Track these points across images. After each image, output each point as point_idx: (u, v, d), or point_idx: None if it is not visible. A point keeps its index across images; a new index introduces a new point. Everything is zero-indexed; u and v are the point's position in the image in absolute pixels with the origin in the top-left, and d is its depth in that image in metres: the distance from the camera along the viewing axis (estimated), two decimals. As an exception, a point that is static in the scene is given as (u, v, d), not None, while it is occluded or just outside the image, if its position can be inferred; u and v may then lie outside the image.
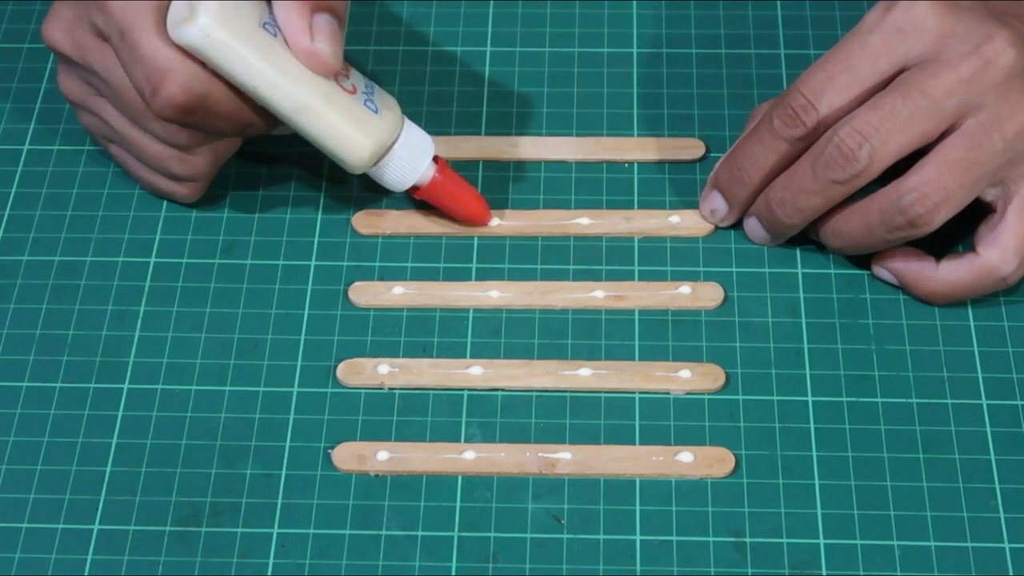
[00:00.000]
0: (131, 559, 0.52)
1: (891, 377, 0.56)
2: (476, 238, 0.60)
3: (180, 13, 0.53)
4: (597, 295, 0.59)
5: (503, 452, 0.54)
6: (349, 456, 0.54)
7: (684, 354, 0.57)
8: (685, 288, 0.59)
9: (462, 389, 0.56)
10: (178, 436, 0.55)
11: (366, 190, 0.61)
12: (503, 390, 0.56)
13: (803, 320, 0.58)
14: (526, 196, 0.62)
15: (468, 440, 0.55)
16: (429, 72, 0.66)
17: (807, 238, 0.59)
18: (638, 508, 0.53)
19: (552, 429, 0.55)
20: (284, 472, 0.54)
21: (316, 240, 0.60)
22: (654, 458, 0.54)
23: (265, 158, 0.62)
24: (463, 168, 0.62)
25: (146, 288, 0.59)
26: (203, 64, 0.54)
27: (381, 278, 0.59)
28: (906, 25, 0.55)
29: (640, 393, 0.56)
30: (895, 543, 0.52)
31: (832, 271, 0.59)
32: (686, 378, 0.56)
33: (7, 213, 0.62)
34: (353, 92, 0.56)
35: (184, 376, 0.57)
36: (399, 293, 0.59)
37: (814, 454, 0.54)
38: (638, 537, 0.52)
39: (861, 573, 0.51)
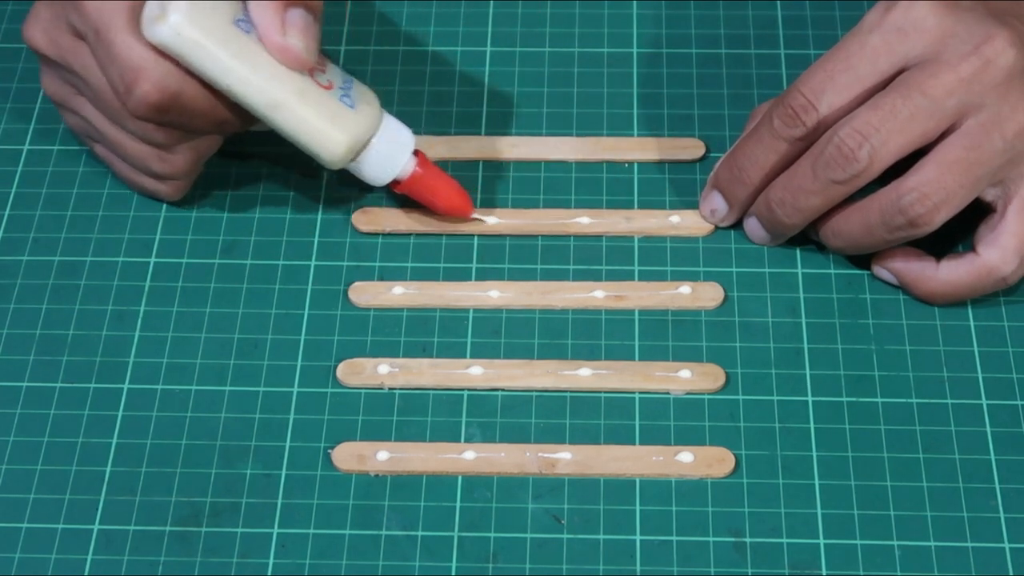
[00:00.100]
0: (131, 559, 0.52)
1: (891, 377, 0.56)
2: (476, 238, 0.60)
3: (153, 12, 0.54)
4: (597, 295, 0.59)
5: (503, 452, 0.54)
6: (349, 456, 0.54)
7: (684, 354, 0.57)
8: (685, 288, 0.59)
9: (462, 389, 0.56)
10: (178, 436, 0.55)
11: (366, 190, 0.61)
12: (503, 390, 0.56)
13: (803, 320, 0.58)
14: (526, 196, 0.62)
15: (468, 440, 0.55)
16: (429, 72, 0.66)
17: (807, 238, 0.59)
18: (638, 508, 0.53)
19: (552, 429, 0.55)
20: (284, 472, 0.54)
21: (316, 240, 0.60)
22: (654, 458, 0.54)
23: (265, 158, 0.62)
24: (463, 168, 0.62)
25: (146, 288, 0.59)
26: (177, 62, 0.54)
27: (381, 278, 0.59)
28: (906, 25, 0.55)
29: (640, 393, 0.56)
30: (895, 543, 0.52)
31: (832, 271, 0.59)
32: (686, 378, 0.56)
33: (7, 213, 0.62)
34: (329, 87, 0.56)
35: (184, 376, 0.57)
36: (399, 293, 0.59)
37: (814, 454, 0.54)
38: (638, 537, 0.52)
39: (861, 573, 0.51)
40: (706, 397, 0.56)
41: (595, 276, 0.59)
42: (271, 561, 0.52)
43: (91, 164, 0.63)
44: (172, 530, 0.53)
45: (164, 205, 0.61)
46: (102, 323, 0.58)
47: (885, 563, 0.52)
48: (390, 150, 0.58)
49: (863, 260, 0.59)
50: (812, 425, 0.55)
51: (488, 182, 0.62)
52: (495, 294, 0.59)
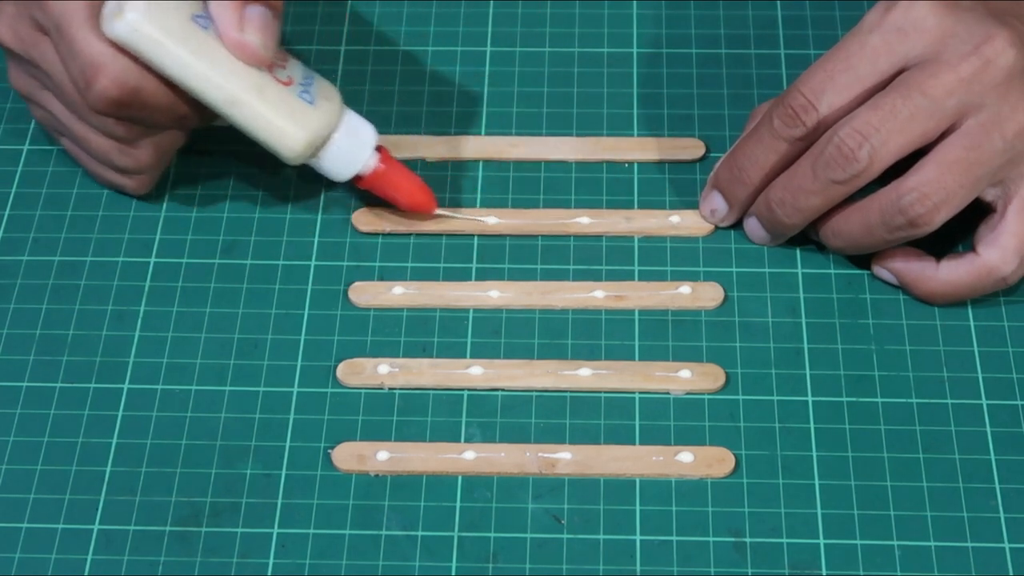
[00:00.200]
0: (131, 559, 0.52)
1: (891, 377, 0.56)
2: (476, 238, 0.60)
3: (111, 8, 0.54)
4: (597, 295, 0.59)
5: (503, 452, 0.54)
6: (349, 456, 0.54)
7: (684, 354, 0.57)
8: (685, 288, 0.59)
9: (462, 389, 0.56)
10: (178, 436, 0.55)
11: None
12: (503, 390, 0.56)
13: (803, 320, 0.58)
14: (526, 196, 0.62)
15: (468, 440, 0.55)
16: (429, 72, 0.66)
17: (807, 238, 0.59)
18: (638, 508, 0.53)
19: (552, 429, 0.55)
20: (284, 472, 0.54)
21: (316, 240, 0.60)
22: (654, 458, 0.54)
23: (265, 158, 0.62)
24: (463, 168, 0.62)
25: (146, 288, 0.59)
26: (136, 58, 0.54)
27: (381, 278, 0.59)
28: (906, 25, 0.55)
29: (640, 393, 0.56)
30: (895, 543, 0.52)
31: (832, 271, 0.59)
32: (686, 378, 0.56)
33: (7, 213, 0.62)
34: (288, 83, 0.56)
35: (184, 376, 0.57)
36: (399, 293, 0.59)
37: (814, 454, 0.54)
38: (638, 537, 0.52)
39: (861, 573, 0.51)
40: (706, 397, 0.56)
41: (595, 276, 0.59)
42: (271, 561, 0.52)
43: (91, 164, 0.63)
44: (172, 530, 0.53)
45: (164, 205, 0.61)
46: (102, 323, 0.58)
47: (885, 563, 0.52)
48: (351, 146, 0.58)
49: (863, 260, 0.59)
50: (812, 425, 0.55)
51: (488, 182, 0.62)
52: (495, 294, 0.59)
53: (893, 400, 0.55)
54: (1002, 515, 0.53)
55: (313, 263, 0.60)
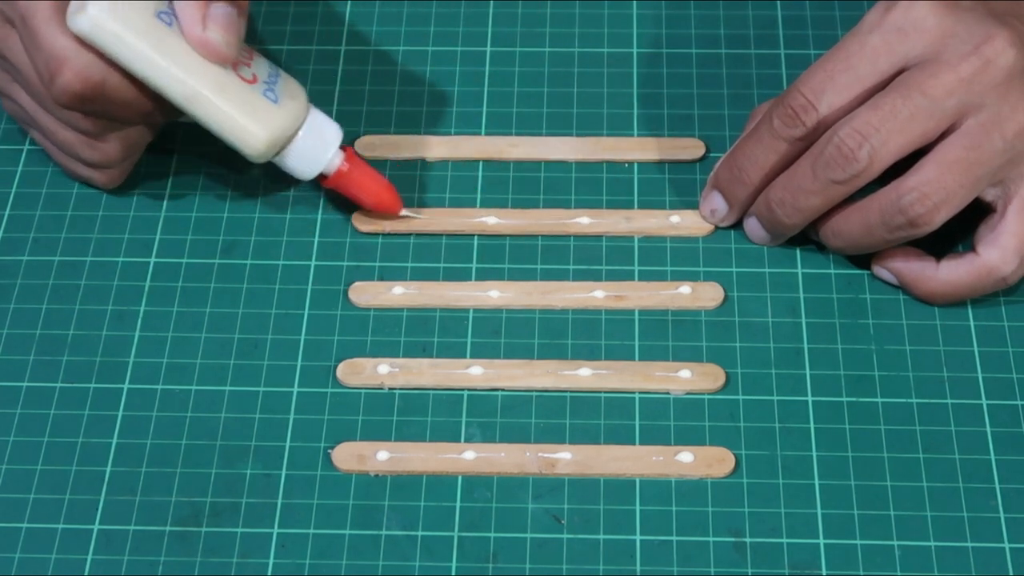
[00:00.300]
0: (131, 559, 0.52)
1: (891, 377, 0.56)
2: (476, 238, 0.60)
3: (75, 4, 0.54)
4: (597, 295, 0.59)
5: (503, 452, 0.54)
6: (349, 456, 0.54)
7: (684, 354, 0.57)
8: (685, 288, 0.59)
9: (462, 389, 0.56)
10: (178, 436, 0.55)
11: (366, 190, 0.61)
12: (503, 390, 0.56)
13: (803, 320, 0.58)
14: (526, 196, 0.62)
15: (468, 440, 0.55)
16: (429, 72, 0.66)
17: (807, 238, 0.59)
18: (638, 508, 0.53)
19: (552, 429, 0.55)
20: (284, 472, 0.54)
21: (316, 240, 0.60)
22: (654, 458, 0.54)
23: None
24: (463, 168, 0.62)
25: (146, 288, 0.59)
26: (100, 53, 0.55)
27: (381, 278, 0.59)
28: (906, 25, 0.55)
29: (640, 393, 0.56)
30: (895, 543, 0.52)
31: (832, 271, 0.59)
32: (686, 378, 0.56)
33: (7, 213, 0.62)
34: (253, 81, 0.57)
35: (184, 376, 0.57)
36: (399, 293, 0.59)
37: (814, 454, 0.54)
38: (638, 537, 0.52)
39: (861, 573, 0.51)
40: (706, 397, 0.56)
41: (595, 276, 0.59)
42: (271, 561, 0.52)
43: (91, 164, 0.63)
44: (172, 530, 0.53)
45: (164, 205, 0.61)
46: (102, 323, 0.58)
47: (885, 563, 0.52)
48: (314, 145, 0.58)
49: (863, 260, 0.59)
50: (812, 425, 0.55)
51: (488, 182, 0.62)
52: (495, 294, 0.59)
53: (893, 400, 0.55)
54: (1002, 515, 0.53)
55: (313, 263, 0.60)
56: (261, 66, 0.58)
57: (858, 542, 0.52)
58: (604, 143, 0.63)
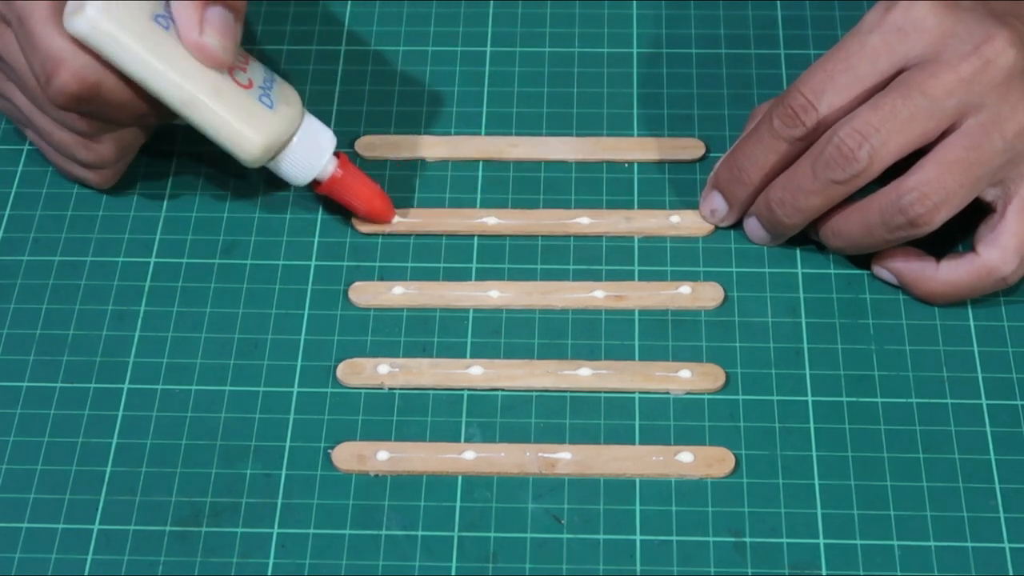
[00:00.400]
0: (131, 559, 0.52)
1: (891, 377, 0.56)
2: (476, 238, 0.60)
3: (73, 5, 0.54)
4: (597, 295, 0.59)
5: (503, 452, 0.54)
6: (349, 456, 0.54)
7: (684, 354, 0.57)
8: (685, 288, 0.59)
9: (462, 389, 0.56)
10: (178, 436, 0.55)
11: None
12: (503, 390, 0.56)
13: (803, 320, 0.58)
14: (526, 196, 0.62)
15: (468, 440, 0.55)
16: (429, 72, 0.66)
17: (807, 238, 0.59)
18: (638, 508, 0.53)
19: (552, 429, 0.55)
20: (284, 472, 0.54)
21: (316, 240, 0.60)
22: (654, 458, 0.54)
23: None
24: (463, 168, 0.62)
25: (146, 288, 0.59)
26: (96, 55, 0.55)
27: (381, 278, 0.59)
28: (906, 25, 0.55)
29: (640, 393, 0.56)
30: (895, 543, 0.52)
31: (832, 271, 0.59)
32: (686, 378, 0.56)
33: (7, 213, 0.62)
34: (248, 86, 0.57)
35: (184, 376, 0.57)
36: (399, 293, 0.59)
37: (814, 454, 0.54)
38: (638, 537, 0.52)
39: (861, 573, 0.51)
40: (706, 397, 0.56)
41: (595, 276, 0.59)
42: (271, 561, 0.52)
43: (91, 164, 0.63)
44: (172, 530, 0.53)
45: (164, 205, 0.61)
46: (102, 323, 0.58)
47: (885, 563, 0.52)
48: (309, 151, 0.58)
49: (863, 260, 0.59)
50: (812, 425, 0.55)
51: (488, 182, 0.62)
52: (495, 294, 0.59)
53: (893, 400, 0.55)
54: (1002, 515, 0.53)
55: (313, 263, 0.60)
56: (257, 71, 0.58)
57: (858, 542, 0.52)
58: (604, 143, 0.63)
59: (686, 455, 0.54)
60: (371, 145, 0.63)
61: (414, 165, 0.63)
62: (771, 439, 0.55)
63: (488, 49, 0.67)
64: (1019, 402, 0.55)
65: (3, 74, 0.59)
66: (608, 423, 0.55)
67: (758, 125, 0.57)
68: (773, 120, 0.56)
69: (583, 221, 0.61)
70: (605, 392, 0.56)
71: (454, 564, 0.52)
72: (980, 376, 0.56)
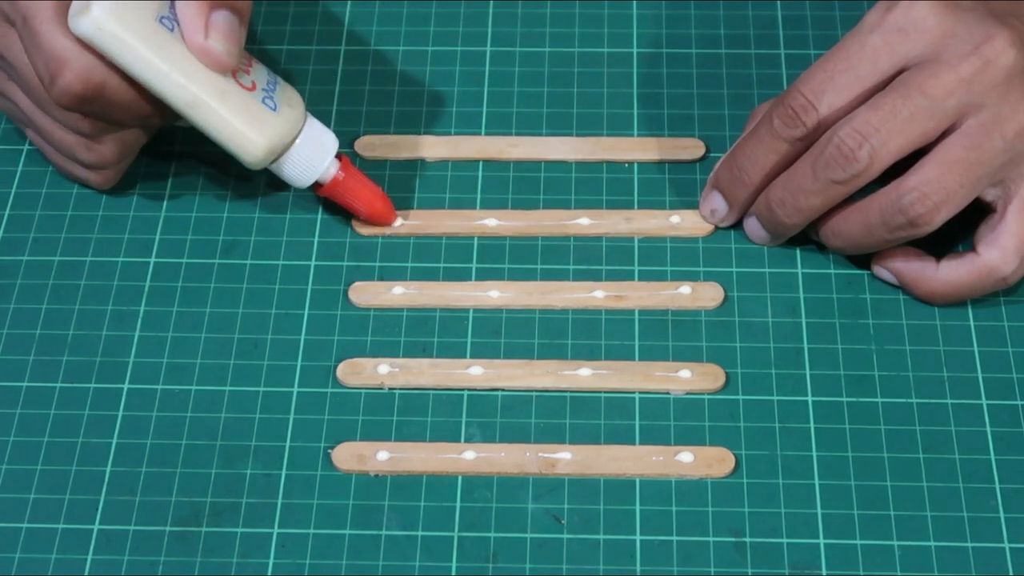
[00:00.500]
0: (131, 559, 0.52)
1: (891, 377, 0.56)
2: (476, 238, 0.60)
3: (78, 5, 0.54)
4: (597, 295, 0.59)
5: (503, 452, 0.54)
6: (349, 456, 0.54)
7: (684, 354, 0.57)
8: (685, 288, 0.59)
9: (462, 389, 0.56)
10: (178, 436, 0.55)
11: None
12: (503, 390, 0.56)
13: (803, 320, 0.58)
14: (526, 196, 0.62)
15: (468, 440, 0.55)
16: (429, 72, 0.66)
17: (807, 238, 0.59)
18: (638, 508, 0.53)
19: (552, 429, 0.55)
20: (284, 472, 0.54)
21: (316, 240, 0.60)
22: (654, 458, 0.54)
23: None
24: (463, 168, 0.62)
25: (146, 288, 0.59)
26: (101, 55, 0.55)
27: (381, 278, 0.59)
28: (906, 25, 0.55)
29: (640, 393, 0.56)
30: (895, 543, 0.52)
31: (832, 271, 0.59)
32: (686, 378, 0.56)
33: (7, 213, 0.62)
34: (252, 89, 0.57)
35: (184, 376, 0.57)
36: (399, 293, 0.59)
37: (814, 454, 0.54)
38: (638, 537, 0.52)
39: (861, 573, 0.51)
40: (706, 397, 0.56)
41: (595, 276, 0.59)
42: (271, 561, 0.52)
43: (91, 164, 0.63)
44: (172, 530, 0.53)
45: (164, 205, 0.61)
46: (102, 323, 0.58)
47: (885, 563, 0.52)
48: (311, 154, 0.58)
49: (863, 260, 0.59)
50: (812, 425, 0.55)
51: (488, 182, 0.62)
52: (495, 294, 0.59)
53: (893, 400, 0.55)
54: (1002, 515, 0.53)
55: (313, 263, 0.60)
56: (260, 73, 0.58)
57: (858, 542, 0.52)
58: (604, 143, 0.63)
59: (686, 455, 0.54)
60: (371, 145, 0.63)
61: (414, 165, 0.63)
62: (771, 439, 0.55)
63: (488, 49, 0.67)
64: (1019, 402, 0.55)
65: (4, 73, 0.59)
66: (608, 423, 0.55)
67: (758, 125, 0.57)
68: (773, 120, 0.56)
69: (583, 221, 0.61)
70: (605, 392, 0.56)
71: (454, 564, 0.52)
72: (980, 376, 0.56)
